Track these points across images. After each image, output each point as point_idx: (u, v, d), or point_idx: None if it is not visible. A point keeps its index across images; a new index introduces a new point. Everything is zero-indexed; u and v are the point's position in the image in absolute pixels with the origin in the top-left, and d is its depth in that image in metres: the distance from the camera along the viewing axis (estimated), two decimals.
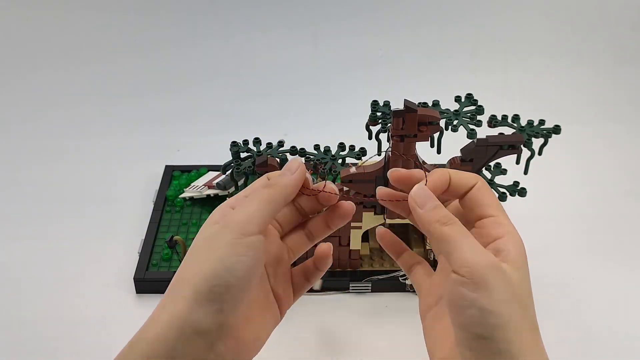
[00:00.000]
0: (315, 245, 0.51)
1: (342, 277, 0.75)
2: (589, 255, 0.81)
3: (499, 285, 0.44)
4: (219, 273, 0.42)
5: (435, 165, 0.69)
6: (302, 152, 0.70)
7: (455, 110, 0.72)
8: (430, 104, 0.73)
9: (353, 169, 0.66)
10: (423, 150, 0.68)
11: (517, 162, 0.69)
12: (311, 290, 0.75)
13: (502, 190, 0.70)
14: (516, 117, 0.71)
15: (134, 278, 0.75)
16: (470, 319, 0.44)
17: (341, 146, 0.71)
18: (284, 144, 0.71)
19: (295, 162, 0.47)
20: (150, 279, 0.75)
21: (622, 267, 0.79)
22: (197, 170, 0.91)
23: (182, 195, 0.87)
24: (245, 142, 0.72)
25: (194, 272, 0.43)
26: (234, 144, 0.70)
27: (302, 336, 0.71)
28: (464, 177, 0.49)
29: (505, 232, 0.47)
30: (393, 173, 0.48)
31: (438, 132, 0.66)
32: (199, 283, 0.42)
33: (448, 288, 0.45)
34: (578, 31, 1.18)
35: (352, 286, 0.75)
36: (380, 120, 0.72)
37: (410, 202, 0.47)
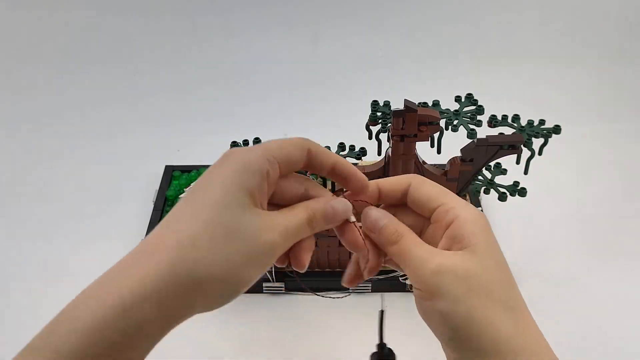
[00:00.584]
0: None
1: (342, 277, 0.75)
2: (588, 255, 0.81)
3: (449, 286, 0.44)
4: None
5: (435, 165, 0.69)
6: None
7: (455, 110, 0.72)
8: (430, 104, 0.73)
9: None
10: (423, 150, 0.68)
11: (517, 162, 0.69)
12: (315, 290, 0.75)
13: (502, 190, 0.70)
14: (516, 117, 0.71)
15: None
16: (437, 326, 0.45)
17: (341, 146, 0.71)
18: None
19: (342, 216, 0.46)
20: None
21: (621, 267, 0.79)
22: (197, 170, 0.91)
23: (182, 195, 0.87)
24: (245, 142, 0.72)
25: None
26: (233, 144, 0.70)
27: (302, 336, 0.71)
28: (393, 183, 0.49)
29: (454, 216, 0.46)
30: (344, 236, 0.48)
31: (438, 132, 0.66)
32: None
33: (416, 302, 0.46)
34: (578, 32, 1.18)
35: None
36: (380, 120, 0.72)
37: (366, 233, 0.48)
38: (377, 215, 0.48)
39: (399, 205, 0.50)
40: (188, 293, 0.40)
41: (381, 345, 0.53)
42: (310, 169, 0.47)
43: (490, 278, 0.45)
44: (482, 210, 0.77)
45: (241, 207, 0.41)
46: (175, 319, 0.41)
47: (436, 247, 0.46)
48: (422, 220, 0.49)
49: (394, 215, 0.48)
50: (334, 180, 0.48)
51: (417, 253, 0.45)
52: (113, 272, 0.41)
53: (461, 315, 0.44)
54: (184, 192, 0.87)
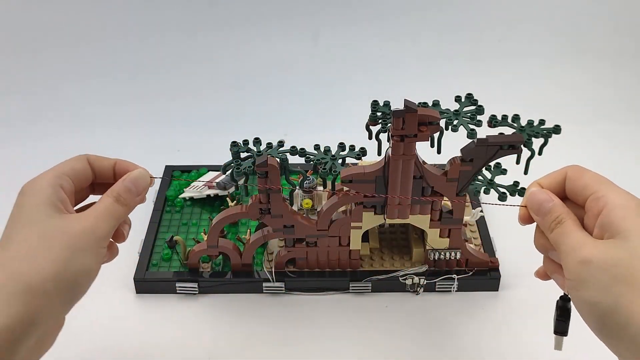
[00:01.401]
0: None
1: (342, 277, 0.75)
2: None
3: (594, 276, 0.44)
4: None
5: (435, 165, 0.69)
6: (302, 152, 0.70)
7: (455, 110, 0.72)
8: (430, 104, 0.73)
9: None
10: (423, 150, 0.68)
11: (517, 162, 0.69)
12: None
13: (502, 190, 0.70)
14: (516, 117, 0.71)
15: (134, 278, 0.75)
16: (586, 317, 0.46)
17: (341, 146, 0.71)
18: (284, 144, 0.71)
19: (144, 182, 0.55)
20: (150, 279, 0.75)
21: None
22: (197, 170, 0.91)
23: (182, 195, 0.87)
24: (245, 142, 0.72)
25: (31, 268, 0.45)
26: (234, 144, 0.70)
27: (302, 336, 0.71)
28: (551, 177, 0.52)
29: (604, 203, 0.47)
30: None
31: (438, 132, 0.66)
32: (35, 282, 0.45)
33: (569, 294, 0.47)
34: (578, 31, 1.18)
35: (352, 286, 0.75)
36: (380, 120, 0.72)
37: (530, 213, 0.51)
38: (544, 197, 0.50)
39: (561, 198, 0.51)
40: (31, 302, 0.44)
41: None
42: (98, 176, 0.54)
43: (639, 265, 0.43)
44: (482, 211, 0.77)
45: (47, 217, 0.48)
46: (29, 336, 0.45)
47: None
48: (582, 212, 0.49)
49: None
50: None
51: (570, 242, 0.47)
52: None
53: (607, 305, 0.44)
54: (183, 191, 0.87)
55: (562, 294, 0.52)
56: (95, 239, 0.49)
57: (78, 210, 0.53)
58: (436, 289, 0.75)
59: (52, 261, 0.46)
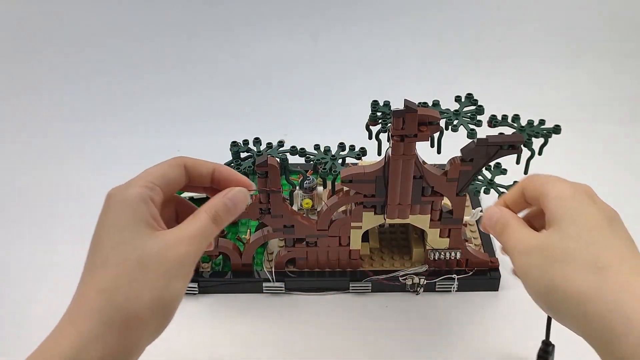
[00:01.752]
0: None
1: (342, 277, 0.75)
2: None
3: (533, 264, 0.47)
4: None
5: (435, 165, 0.69)
6: (302, 152, 0.70)
7: (456, 110, 0.72)
8: (430, 104, 0.73)
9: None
10: (423, 150, 0.68)
11: (517, 162, 0.69)
12: (312, 290, 0.75)
13: (502, 190, 0.70)
14: (516, 117, 0.71)
15: None
16: (539, 305, 0.48)
17: (341, 146, 0.71)
18: (284, 144, 0.71)
19: (244, 202, 0.50)
20: None
21: None
22: None
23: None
24: (245, 142, 0.72)
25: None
26: (234, 144, 0.71)
27: (302, 336, 0.71)
28: (512, 191, 0.53)
29: (545, 199, 0.49)
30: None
31: (438, 132, 0.66)
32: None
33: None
34: (578, 31, 1.18)
35: (352, 286, 0.75)
36: (380, 120, 0.72)
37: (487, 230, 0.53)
38: (492, 211, 0.53)
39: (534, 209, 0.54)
40: (128, 330, 0.42)
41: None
42: (193, 181, 0.50)
43: (571, 245, 0.46)
44: (482, 211, 0.77)
45: (142, 238, 0.44)
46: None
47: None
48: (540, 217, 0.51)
49: (529, 219, 0.53)
50: (217, 187, 0.51)
51: (513, 240, 0.50)
52: (53, 335, 0.43)
53: (546, 285, 0.46)
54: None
55: (544, 340, 0.58)
56: (190, 263, 0.45)
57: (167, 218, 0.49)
58: (436, 289, 0.75)
59: (149, 290, 0.43)
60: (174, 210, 0.51)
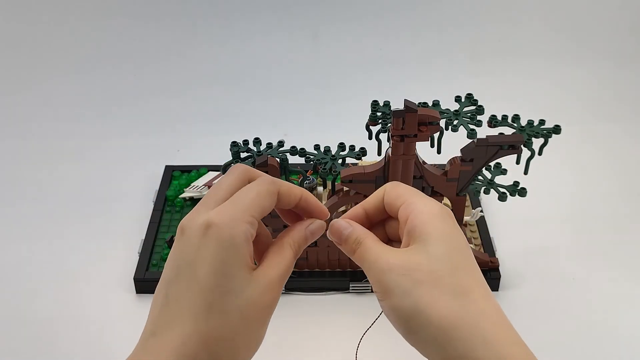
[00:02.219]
0: None
1: (342, 277, 0.75)
2: (589, 256, 0.81)
3: (395, 282, 0.45)
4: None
5: (435, 165, 0.69)
6: (302, 152, 0.70)
7: (456, 110, 0.72)
8: (430, 104, 0.73)
9: None
10: (423, 150, 0.68)
11: (517, 162, 0.69)
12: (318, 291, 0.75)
13: (502, 190, 0.70)
14: (516, 117, 0.71)
15: (134, 278, 0.75)
16: (395, 324, 0.46)
17: (341, 146, 0.71)
18: (284, 144, 0.71)
19: (320, 233, 0.48)
20: (150, 279, 0.75)
21: (622, 267, 0.79)
22: (197, 170, 0.91)
23: (182, 196, 0.87)
24: (245, 142, 0.72)
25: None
26: (234, 144, 0.70)
27: (302, 336, 0.71)
28: (373, 197, 0.50)
29: (410, 211, 0.47)
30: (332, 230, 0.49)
31: (438, 132, 0.66)
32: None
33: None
34: (578, 31, 1.18)
35: (352, 286, 0.75)
36: (380, 120, 0.72)
37: (335, 244, 0.49)
38: (342, 225, 0.49)
39: (390, 218, 0.50)
40: None
41: None
42: (278, 205, 0.47)
43: (437, 267, 0.45)
44: (481, 211, 0.77)
45: (242, 284, 0.42)
46: None
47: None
48: (395, 225, 0.49)
49: (384, 228, 0.50)
50: (297, 211, 0.49)
51: (371, 255, 0.46)
52: None
53: (408, 308, 0.44)
54: (183, 192, 0.87)
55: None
56: (275, 305, 0.45)
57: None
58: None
59: (246, 342, 0.43)
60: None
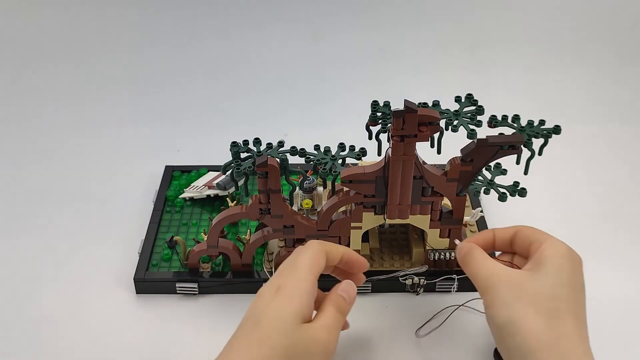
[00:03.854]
0: None
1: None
2: (590, 256, 0.81)
3: (497, 289, 0.54)
4: None
5: (435, 165, 0.69)
6: (302, 152, 0.70)
7: (456, 111, 0.72)
8: (430, 104, 0.73)
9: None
10: (423, 150, 0.68)
11: (517, 162, 0.69)
12: None
13: (502, 190, 0.70)
14: (516, 117, 0.71)
15: (134, 278, 0.75)
16: (489, 323, 0.56)
17: (341, 146, 0.71)
18: (284, 144, 0.71)
19: (353, 289, 0.58)
20: (150, 279, 0.75)
21: (624, 268, 0.79)
22: (197, 171, 0.91)
23: (182, 196, 0.87)
24: (245, 142, 0.72)
25: None
26: (234, 144, 0.70)
27: None
28: (505, 229, 0.62)
29: (542, 248, 0.57)
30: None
31: (438, 133, 0.66)
32: None
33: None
34: (580, 30, 1.18)
35: None
36: (380, 121, 0.72)
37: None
38: (461, 245, 0.62)
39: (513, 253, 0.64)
40: None
41: None
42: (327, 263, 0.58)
43: (542, 291, 0.53)
44: (481, 211, 0.77)
45: (299, 331, 0.51)
46: None
47: None
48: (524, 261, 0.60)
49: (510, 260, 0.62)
50: (344, 268, 0.61)
51: (476, 265, 0.58)
52: None
53: (504, 317, 0.53)
54: (183, 192, 0.87)
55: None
56: (332, 350, 0.53)
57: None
58: (436, 289, 0.75)
59: None
60: None
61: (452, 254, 0.74)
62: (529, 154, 0.69)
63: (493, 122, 0.71)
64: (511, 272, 0.55)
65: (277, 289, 0.52)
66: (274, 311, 0.51)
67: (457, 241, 0.69)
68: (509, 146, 0.64)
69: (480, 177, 0.72)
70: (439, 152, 0.73)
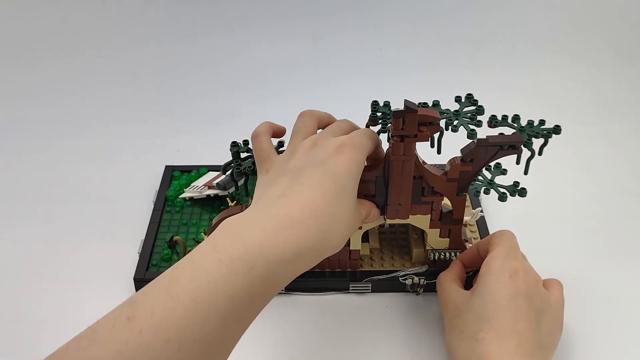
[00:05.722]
0: None
1: (342, 277, 0.75)
2: (589, 256, 0.81)
3: (446, 315, 0.65)
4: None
5: (435, 165, 0.69)
6: None
7: (456, 111, 0.72)
8: (430, 104, 0.73)
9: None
10: (423, 150, 0.68)
11: (518, 162, 0.69)
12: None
13: (502, 190, 0.70)
14: (516, 117, 0.71)
15: (134, 278, 0.75)
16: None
17: None
18: (284, 145, 0.71)
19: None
20: (150, 279, 0.74)
21: (623, 268, 0.79)
22: (197, 171, 0.91)
23: (182, 196, 0.87)
24: (246, 142, 0.72)
25: None
26: (234, 144, 0.70)
27: (301, 336, 0.71)
28: (485, 240, 0.69)
29: (484, 263, 0.64)
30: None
31: (438, 133, 0.66)
32: None
33: None
34: (580, 30, 1.18)
35: (352, 286, 0.75)
36: (380, 121, 0.72)
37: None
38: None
39: None
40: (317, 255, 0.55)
41: None
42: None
43: (470, 315, 0.59)
44: (481, 211, 0.77)
45: (353, 197, 0.58)
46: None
47: None
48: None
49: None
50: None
51: (442, 292, 0.67)
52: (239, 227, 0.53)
53: (446, 342, 0.64)
54: (183, 192, 0.87)
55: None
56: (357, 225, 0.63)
57: None
58: (436, 289, 0.75)
59: (339, 232, 0.57)
60: None
61: (452, 254, 0.74)
62: (529, 154, 0.69)
63: (493, 122, 0.71)
64: (458, 297, 0.62)
65: (342, 145, 0.58)
66: (343, 161, 0.57)
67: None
68: (509, 146, 0.64)
69: (480, 177, 0.72)
70: (439, 152, 0.73)
